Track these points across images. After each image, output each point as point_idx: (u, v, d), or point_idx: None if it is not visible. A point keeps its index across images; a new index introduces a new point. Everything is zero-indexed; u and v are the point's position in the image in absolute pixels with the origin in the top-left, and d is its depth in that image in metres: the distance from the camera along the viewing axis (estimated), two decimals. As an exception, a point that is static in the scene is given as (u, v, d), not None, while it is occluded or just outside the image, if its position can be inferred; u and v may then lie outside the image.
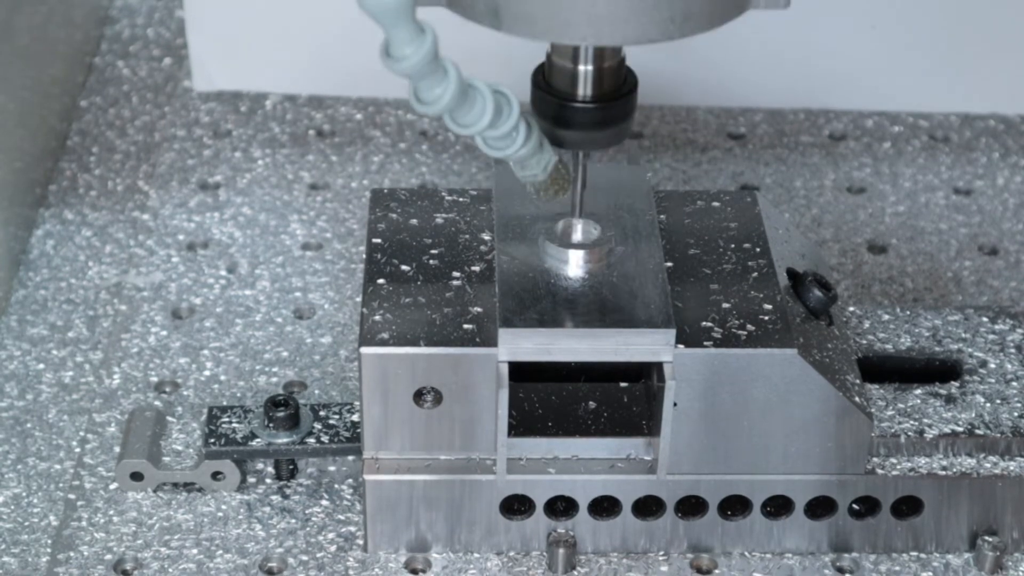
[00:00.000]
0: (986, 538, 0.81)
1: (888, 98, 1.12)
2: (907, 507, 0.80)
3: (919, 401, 0.80)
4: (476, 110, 0.70)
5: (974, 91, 1.11)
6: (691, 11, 0.68)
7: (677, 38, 0.69)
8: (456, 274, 0.79)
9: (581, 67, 0.74)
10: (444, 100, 0.68)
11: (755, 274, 0.80)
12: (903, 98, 1.12)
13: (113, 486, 0.84)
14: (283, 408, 0.82)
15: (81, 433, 0.87)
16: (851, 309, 0.86)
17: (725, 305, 0.78)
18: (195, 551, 0.81)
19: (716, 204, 0.84)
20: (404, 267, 0.80)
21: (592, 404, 0.80)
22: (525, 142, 0.72)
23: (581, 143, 0.75)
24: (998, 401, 0.81)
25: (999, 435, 0.79)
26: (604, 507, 0.80)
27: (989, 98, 1.12)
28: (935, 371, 0.83)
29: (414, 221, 0.83)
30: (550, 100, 0.74)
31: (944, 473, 0.79)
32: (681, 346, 0.75)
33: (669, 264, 0.80)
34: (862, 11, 1.08)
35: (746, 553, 0.81)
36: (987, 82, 1.11)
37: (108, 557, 0.80)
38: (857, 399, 0.78)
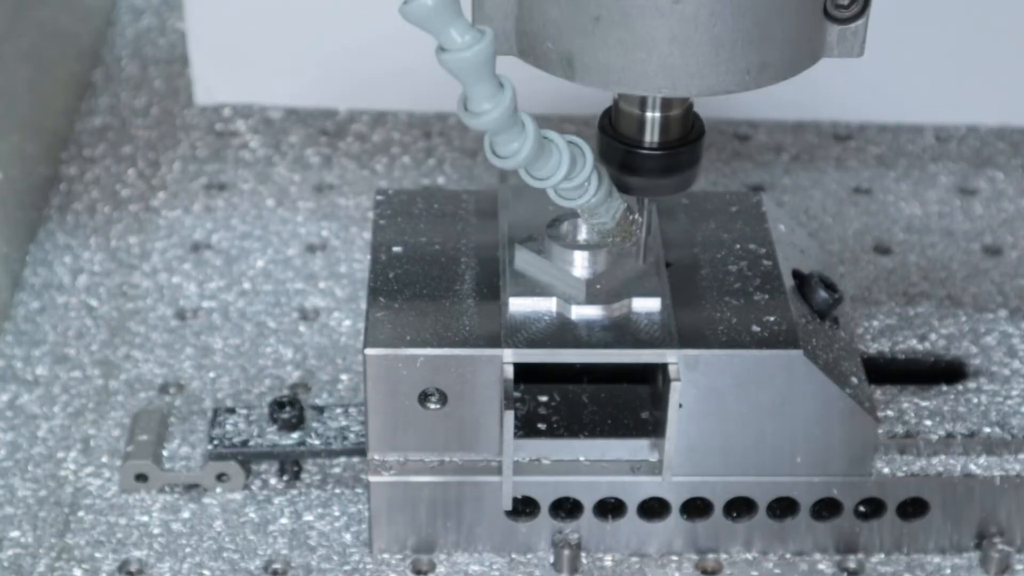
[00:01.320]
0: (992, 540, 0.81)
1: (899, 111, 1.11)
2: (913, 508, 0.80)
3: (925, 402, 0.80)
4: (552, 163, 0.70)
5: (985, 103, 1.11)
6: (766, 62, 0.68)
7: (752, 88, 0.69)
8: (461, 275, 0.79)
9: (649, 114, 0.73)
10: (522, 155, 0.68)
11: (760, 275, 0.80)
12: (914, 111, 1.11)
13: (117, 487, 0.84)
14: (287, 409, 0.82)
15: (83, 433, 0.87)
16: (856, 310, 0.85)
17: (731, 306, 0.78)
18: (199, 552, 0.81)
19: (721, 204, 0.84)
20: (409, 268, 0.80)
21: (597, 405, 0.80)
22: (596, 191, 0.72)
23: (647, 189, 0.75)
24: (1003, 401, 0.80)
25: (1005, 436, 0.79)
26: (609, 509, 0.80)
27: (1000, 110, 1.11)
28: (941, 372, 0.83)
29: (419, 222, 0.83)
30: (617, 146, 0.74)
31: (950, 474, 0.79)
32: (686, 347, 0.75)
33: (670, 264, 0.80)
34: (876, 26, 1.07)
35: (752, 555, 0.81)
36: (998, 94, 1.10)
37: (111, 558, 0.80)
38: (863, 400, 0.78)
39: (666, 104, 0.73)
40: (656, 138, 0.73)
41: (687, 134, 0.74)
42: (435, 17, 0.63)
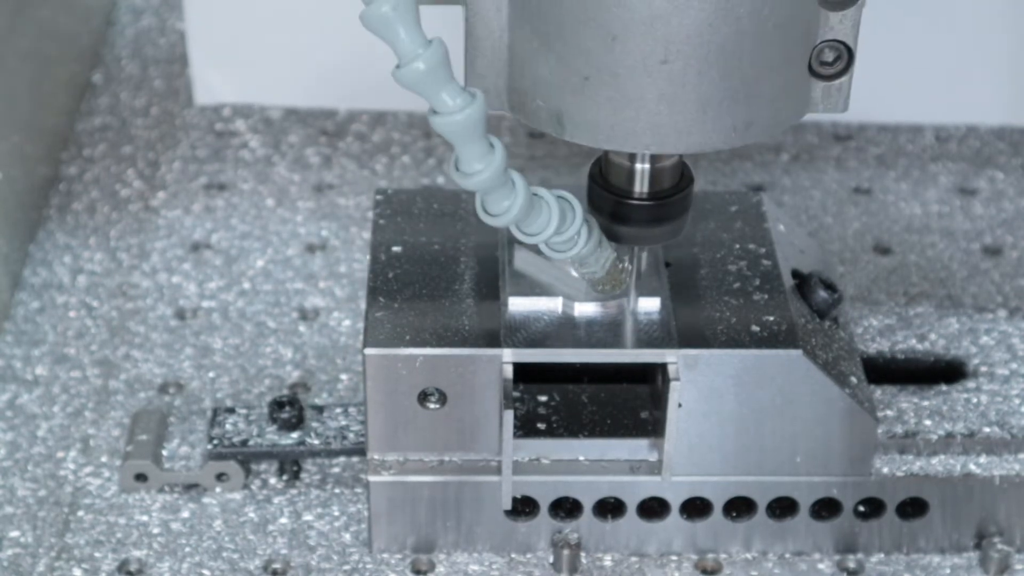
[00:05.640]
0: (992, 539, 0.81)
1: (899, 111, 1.11)
2: (912, 508, 0.80)
3: (924, 401, 0.80)
4: (542, 219, 0.70)
5: (984, 103, 1.11)
6: (752, 119, 0.69)
7: (738, 145, 0.70)
8: (461, 274, 0.79)
9: (638, 165, 0.73)
10: (512, 212, 0.69)
11: (760, 274, 0.80)
12: (914, 111, 1.11)
13: (116, 487, 0.84)
14: (287, 409, 0.82)
15: (83, 433, 0.87)
16: (856, 310, 0.85)
17: (730, 305, 0.78)
18: (199, 552, 0.81)
19: (721, 204, 0.84)
20: (408, 267, 0.80)
21: (597, 405, 0.80)
22: (586, 243, 0.73)
23: (638, 238, 0.75)
24: (1003, 401, 0.80)
25: (1005, 436, 0.79)
26: (609, 508, 0.80)
27: (1000, 110, 1.11)
28: (940, 371, 0.83)
29: (419, 221, 0.83)
30: (607, 196, 0.74)
31: (949, 474, 0.79)
32: (686, 347, 0.75)
33: (670, 264, 0.80)
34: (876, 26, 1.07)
35: (752, 555, 0.81)
36: (997, 94, 1.10)
37: (111, 558, 0.80)
38: (862, 400, 0.78)
39: (656, 155, 0.73)
40: (646, 188, 0.74)
41: (677, 183, 0.75)
42: (427, 82, 0.64)
